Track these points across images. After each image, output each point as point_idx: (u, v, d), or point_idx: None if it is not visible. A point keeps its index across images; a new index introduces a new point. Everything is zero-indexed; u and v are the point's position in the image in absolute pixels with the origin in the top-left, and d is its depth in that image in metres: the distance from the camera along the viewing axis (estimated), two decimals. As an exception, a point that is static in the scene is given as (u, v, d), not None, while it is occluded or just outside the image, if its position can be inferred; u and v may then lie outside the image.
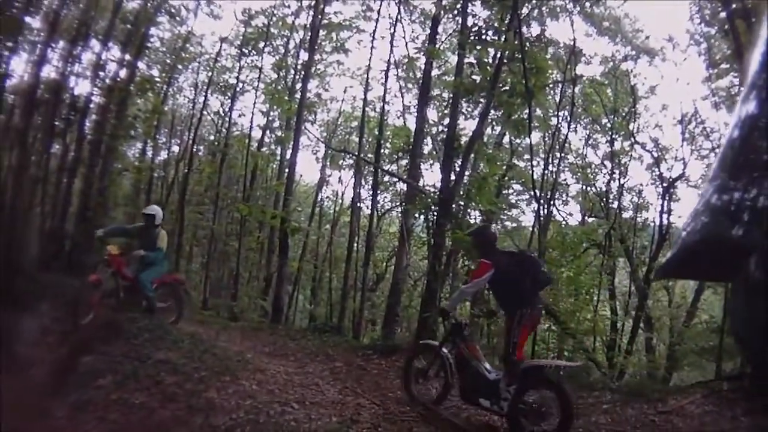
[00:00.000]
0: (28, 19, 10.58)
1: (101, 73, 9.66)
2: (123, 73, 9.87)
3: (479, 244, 4.22)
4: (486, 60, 7.94)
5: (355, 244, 12.12)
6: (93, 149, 9.50)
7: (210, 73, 13.39)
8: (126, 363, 4.18)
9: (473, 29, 7.79)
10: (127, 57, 9.93)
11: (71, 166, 9.31)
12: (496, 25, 7.82)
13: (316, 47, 11.67)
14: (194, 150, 13.50)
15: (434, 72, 9.91)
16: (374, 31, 11.15)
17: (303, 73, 11.55)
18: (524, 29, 7.94)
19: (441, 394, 4.10)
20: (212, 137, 15.31)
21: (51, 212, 9.17)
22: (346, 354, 6.08)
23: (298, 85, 11.85)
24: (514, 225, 13.84)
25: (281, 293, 9.33)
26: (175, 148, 15.50)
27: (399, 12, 10.57)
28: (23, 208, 8.61)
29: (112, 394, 3.81)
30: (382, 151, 11.78)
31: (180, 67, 13.26)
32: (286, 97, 11.56)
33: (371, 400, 4.15)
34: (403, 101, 12.05)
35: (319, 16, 11.05)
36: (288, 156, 11.33)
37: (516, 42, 7.10)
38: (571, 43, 9.21)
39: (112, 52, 10.04)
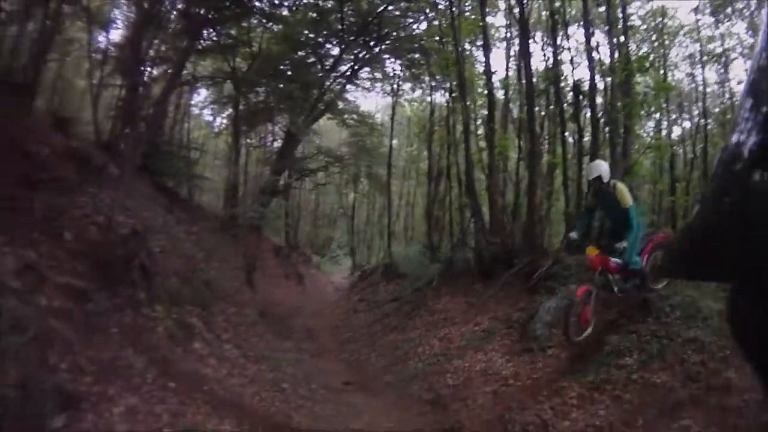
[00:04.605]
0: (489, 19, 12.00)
1: (595, 57, 9.69)
2: (616, 54, 9.61)
3: None
4: None
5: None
6: (611, 131, 9.27)
7: (698, 45, 13.14)
8: (654, 342, 4.17)
9: None
10: (614, 39, 9.76)
11: (592, 150, 9.19)
12: None
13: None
14: (705, 123, 13.27)
15: None
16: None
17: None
18: None
19: None
20: (716, 110, 14.81)
21: (575, 195, 9.43)
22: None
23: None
24: None
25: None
26: (686, 124, 15.23)
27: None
28: (539, 195, 9.28)
29: (634, 374, 3.82)
30: None
31: (666, 42, 13.28)
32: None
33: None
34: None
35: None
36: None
37: None
38: None
39: (596, 36, 10.02)
